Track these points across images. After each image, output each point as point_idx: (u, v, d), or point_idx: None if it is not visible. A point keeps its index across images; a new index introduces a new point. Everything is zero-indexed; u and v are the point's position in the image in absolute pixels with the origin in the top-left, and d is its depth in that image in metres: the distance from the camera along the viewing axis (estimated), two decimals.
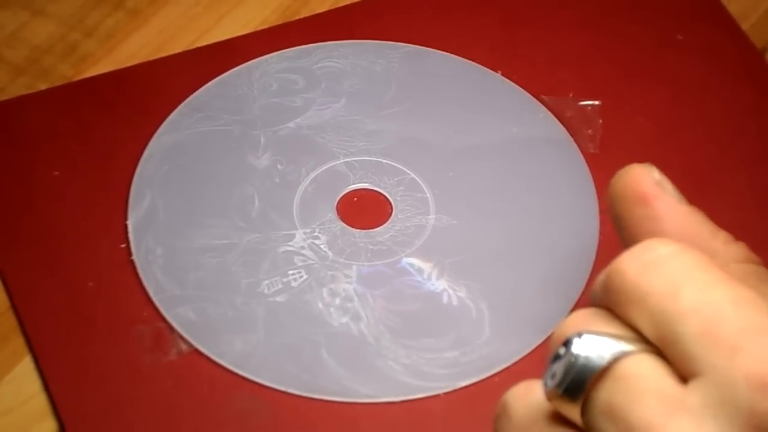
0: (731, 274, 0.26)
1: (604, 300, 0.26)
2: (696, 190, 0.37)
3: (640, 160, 0.37)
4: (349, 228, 0.39)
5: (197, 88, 0.43)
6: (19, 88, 0.41)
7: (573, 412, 0.25)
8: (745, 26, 0.44)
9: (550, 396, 0.25)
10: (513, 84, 0.43)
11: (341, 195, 0.40)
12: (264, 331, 0.36)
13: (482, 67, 0.43)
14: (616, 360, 0.24)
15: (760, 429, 0.23)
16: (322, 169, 0.40)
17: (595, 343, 0.24)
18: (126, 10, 0.44)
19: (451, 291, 0.37)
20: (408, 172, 0.40)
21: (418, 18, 0.45)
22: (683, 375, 0.24)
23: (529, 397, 0.26)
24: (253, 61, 0.44)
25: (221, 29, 0.44)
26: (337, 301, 0.37)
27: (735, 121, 0.41)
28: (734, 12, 0.45)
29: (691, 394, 0.23)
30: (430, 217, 0.39)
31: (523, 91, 0.42)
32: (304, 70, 0.43)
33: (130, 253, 0.38)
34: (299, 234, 0.38)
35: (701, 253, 0.25)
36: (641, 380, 0.24)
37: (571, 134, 0.41)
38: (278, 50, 0.44)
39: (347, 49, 0.44)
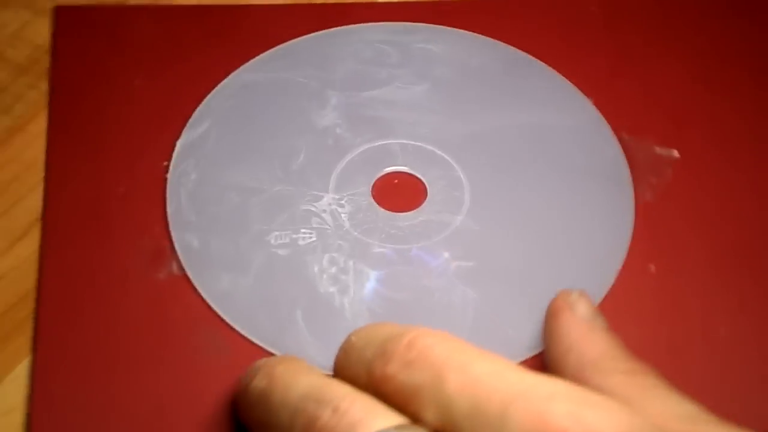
0: (607, 386, 0.29)
1: (369, 391, 0.27)
2: (734, 269, 0.35)
3: (689, 228, 0.35)
4: (376, 205, 0.39)
5: (296, 38, 0.43)
6: (20, 87, 0.41)
7: None
8: None
9: None
10: (599, 114, 0.41)
11: (383, 173, 0.40)
12: (253, 277, 0.37)
13: (577, 89, 0.42)
14: None
15: None
16: (377, 143, 0.40)
17: None
18: None
19: (447, 293, 0.36)
20: (456, 169, 0.39)
21: (533, 26, 0.44)
22: None
23: None
24: (355, 25, 0.44)
25: None
26: (333, 270, 0.37)
27: None
28: None
29: None
30: (458, 217, 0.38)
31: (606, 124, 0.41)
32: (402, 45, 0.43)
33: (167, 171, 0.39)
34: (327, 198, 0.39)
35: (458, 338, 0.27)
36: None
37: (634, 178, 0.39)
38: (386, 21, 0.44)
39: (451, 37, 0.43)
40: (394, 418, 0.26)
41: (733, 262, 0.37)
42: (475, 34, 0.43)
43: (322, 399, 0.27)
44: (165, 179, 0.39)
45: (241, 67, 0.42)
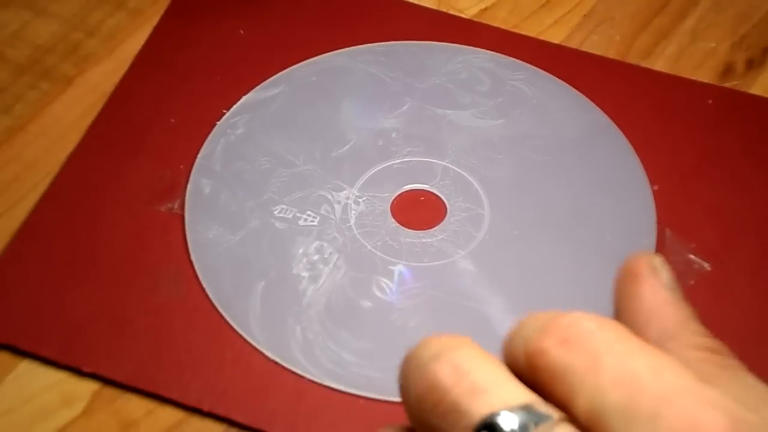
0: (685, 360, 0.27)
1: (525, 373, 0.26)
2: None
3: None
4: (389, 214, 0.38)
5: (406, 40, 0.44)
6: (21, 87, 0.42)
7: None
8: (746, 27, 0.42)
9: None
10: (652, 203, 0.39)
11: (412, 187, 0.39)
12: (240, 238, 0.37)
13: (644, 174, 0.40)
14: None
15: None
16: (422, 159, 0.40)
17: (522, 420, 0.24)
18: (128, 9, 0.44)
19: (405, 315, 0.36)
20: (485, 210, 0.39)
21: (638, 103, 0.42)
22: None
23: None
24: (465, 46, 0.43)
25: None
26: (316, 257, 0.37)
27: None
28: (736, 12, 0.42)
29: None
30: (459, 252, 0.37)
31: (655, 215, 0.38)
32: (498, 78, 0.42)
33: (220, 118, 0.41)
34: (348, 191, 0.39)
35: (622, 327, 0.26)
36: None
37: None
38: (495, 51, 0.43)
39: (548, 84, 0.42)
40: (529, 396, 0.25)
41: None
42: (573, 89, 0.42)
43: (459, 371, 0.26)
44: (214, 124, 0.40)
45: (337, 51, 0.43)
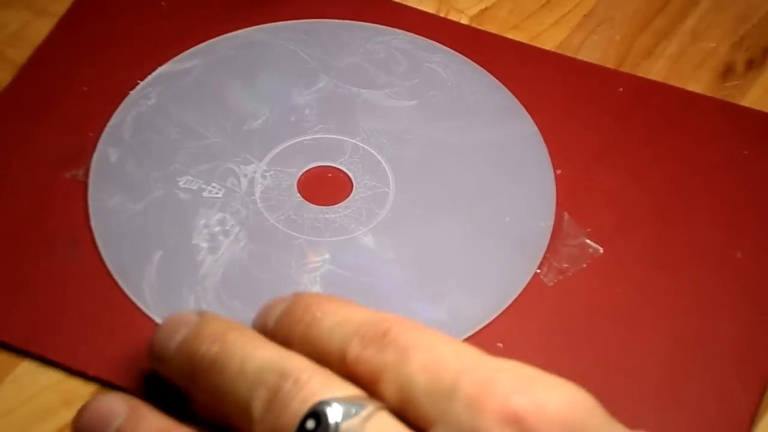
0: None
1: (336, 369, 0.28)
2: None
3: (572, 328, 0.34)
4: (295, 190, 0.39)
5: (328, 18, 0.44)
6: None
7: None
8: (746, 27, 0.42)
9: None
10: (553, 186, 0.39)
11: (321, 164, 0.39)
12: (142, 207, 0.38)
13: (548, 156, 0.40)
14: (364, 422, 0.26)
15: None
16: (333, 136, 0.40)
17: (345, 410, 0.27)
18: None
19: (301, 288, 0.36)
20: (389, 188, 0.39)
21: (547, 88, 0.42)
22: (422, 429, 0.26)
23: None
24: (386, 27, 0.44)
25: None
26: (217, 228, 0.37)
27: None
28: (736, 12, 0.42)
29: None
30: (361, 228, 0.38)
31: (554, 198, 0.39)
32: (415, 60, 0.43)
33: (134, 86, 0.41)
34: (255, 165, 0.39)
35: (432, 329, 0.28)
36: None
37: (547, 255, 0.37)
38: (415, 33, 0.44)
39: (465, 68, 0.42)
40: (350, 390, 0.28)
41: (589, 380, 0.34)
42: (488, 73, 0.42)
43: (284, 371, 0.28)
44: (126, 94, 0.40)
45: (259, 26, 0.43)
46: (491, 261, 0.37)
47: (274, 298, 0.32)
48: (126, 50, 0.42)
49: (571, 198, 0.38)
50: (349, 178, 0.39)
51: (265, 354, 0.29)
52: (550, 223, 0.38)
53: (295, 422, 0.27)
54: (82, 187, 0.38)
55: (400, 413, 0.27)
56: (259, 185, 0.38)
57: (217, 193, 0.38)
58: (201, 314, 0.31)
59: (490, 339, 0.35)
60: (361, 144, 0.40)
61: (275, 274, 0.36)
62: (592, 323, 0.35)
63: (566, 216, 0.38)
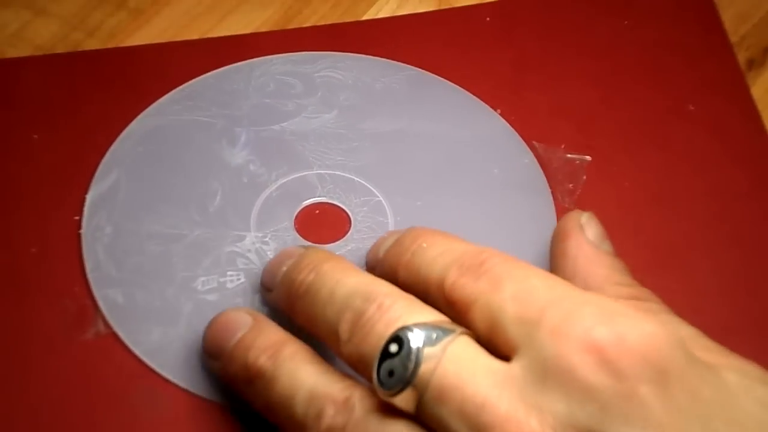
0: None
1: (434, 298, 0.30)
2: (659, 265, 0.35)
3: (612, 223, 0.36)
4: (302, 239, 0.38)
5: (196, 77, 0.43)
6: None
7: (409, 403, 0.27)
8: (746, 27, 0.43)
9: (389, 394, 0.27)
10: (508, 125, 0.41)
11: (304, 205, 0.39)
12: (185, 326, 0.36)
13: (482, 102, 0.42)
14: (445, 346, 0.27)
15: (570, 371, 0.25)
16: (293, 176, 0.40)
17: (426, 336, 0.27)
18: (128, 9, 0.44)
19: None
20: (377, 194, 0.39)
21: (432, 44, 0.44)
22: (506, 355, 0.27)
23: (356, 398, 0.28)
24: (256, 59, 0.43)
25: (223, 28, 0.44)
26: (266, 310, 0.36)
27: (722, 203, 0.39)
28: (735, 13, 0.44)
29: (514, 367, 0.26)
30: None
31: (516, 134, 0.41)
32: (305, 76, 0.43)
33: (80, 227, 0.38)
34: (250, 237, 0.38)
35: (525, 263, 0.29)
36: (469, 361, 0.27)
37: (551, 185, 0.39)
38: (285, 52, 0.43)
39: (352, 63, 0.43)
40: (432, 315, 0.28)
41: (655, 258, 0.38)
42: (375, 57, 0.43)
43: (369, 296, 0.29)
44: (79, 235, 0.38)
45: (143, 113, 0.41)
46: (494, 212, 0.38)
47: (389, 230, 0.34)
48: (34, 194, 0.39)
49: (523, 127, 0.41)
50: (337, 206, 0.39)
51: (353, 280, 0.31)
52: (531, 156, 0.40)
53: (380, 345, 0.28)
54: (111, 339, 0.35)
55: (487, 340, 0.28)
56: (268, 253, 0.37)
57: (239, 279, 0.37)
58: (305, 247, 0.34)
59: None
60: (322, 171, 0.40)
61: None
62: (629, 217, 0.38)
63: (536, 144, 0.40)
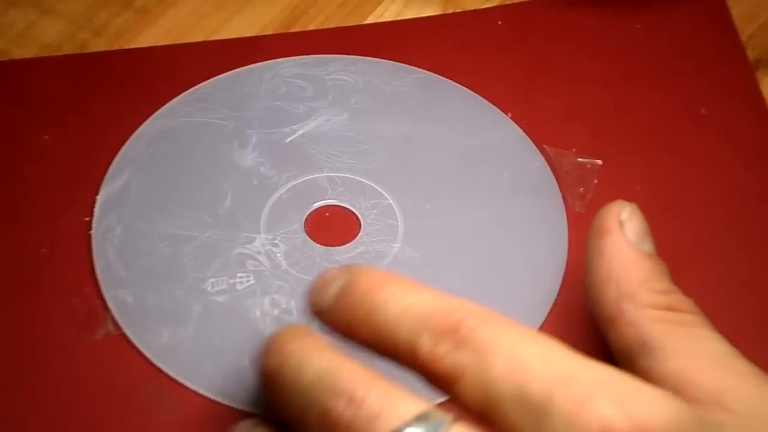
0: (640, 320, 0.29)
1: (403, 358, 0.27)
2: (671, 269, 0.35)
3: None
4: (311, 242, 0.38)
5: (208, 79, 0.43)
6: None
7: None
8: (753, 27, 0.43)
9: None
10: (519, 128, 0.41)
11: (314, 208, 0.39)
12: (194, 327, 0.36)
13: (493, 106, 0.42)
14: None
15: None
16: (303, 179, 0.40)
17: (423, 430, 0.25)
18: (135, 9, 0.44)
19: None
20: (387, 197, 0.39)
21: (443, 47, 0.44)
22: None
23: None
24: (268, 61, 0.43)
25: (230, 28, 0.44)
26: (276, 312, 0.36)
27: (734, 206, 0.38)
28: (742, 12, 0.44)
29: None
30: (395, 245, 0.38)
31: (527, 137, 0.41)
32: (317, 78, 0.43)
33: (90, 227, 0.38)
34: (260, 239, 0.38)
35: (504, 318, 0.26)
36: None
37: (561, 189, 0.39)
38: (297, 55, 0.43)
39: (364, 66, 0.43)
40: (415, 406, 0.26)
41: (666, 262, 0.37)
42: (386, 60, 0.43)
43: (335, 387, 0.26)
44: (89, 236, 0.38)
45: (154, 114, 0.41)
46: (504, 216, 0.38)
47: (325, 270, 0.30)
48: (45, 195, 0.39)
49: (536, 131, 0.41)
50: (347, 209, 0.39)
51: (317, 366, 0.27)
52: (542, 160, 0.40)
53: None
54: (121, 340, 0.35)
55: (481, 415, 0.26)
56: (278, 255, 0.37)
57: (248, 281, 0.37)
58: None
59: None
60: (332, 174, 0.40)
61: None
62: None
63: (548, 148, 0.40)
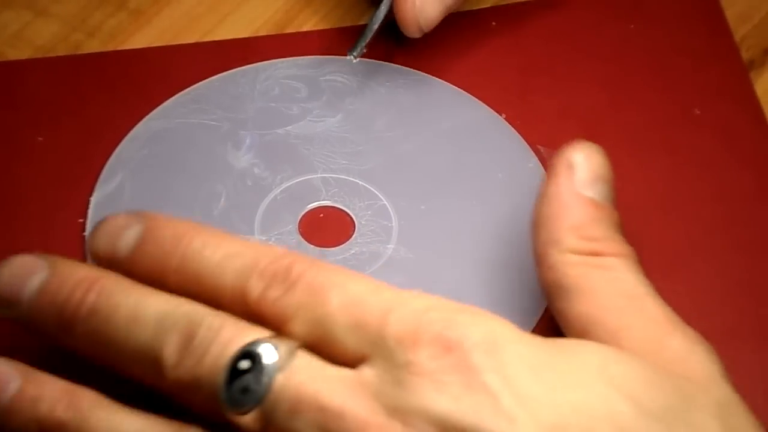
0: (559, 264, 0.30)
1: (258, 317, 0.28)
2: (665, 268, 0.35)
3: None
4: (305, 243, 0.38)
5: (202, 80, 0.43)
6: None
7: (257, 422, 0.27)
8: (747, 28, 0.43)
9: (241, 411, 0.26)
10: (513, 129, 0.41)
11: (308, 209, 0.39)
12: None
13: (487, 107, 0.42)
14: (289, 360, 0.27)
15: (421, 375, 0.26)
16: (298, 180, 0.40)
17: (273, 350, 0.27)
18: (129, 10, 0.44)
19: None
20: (381, 198, 0.39)
21: (437, 48, 0.44)
22: (347, 365, 0.27)
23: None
24: (262, 62, 0.43)
25: (224, 29, 0.44)
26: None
27: (728, 206, 0.38)
28: (736, 13, 0.44)
29: (366, 374, 0.26)
30: (389, 246, 0.38)
31: (521, 138, 0.41)
32: (310, 79, 0.43)
33: (84, 229, 0.38)
34: (254, 240, 0.38)
35: (332, 264, 0.29)
36: (317, 370, 0.27)
37: None
38: (291, 56, 0.43)
39: (358, 67, 0.43)
40: (263, 332, 0.27)
41: (661, 261, 0.37)
42: (379, 61, 0.43)
43: (190, 317, 0.28)
44: (83, 238, 0.38)
45: (148, 116, 0.41)
46: (500, 217, 0.39)
47: (106, 217, 0.31)
48: (39, 196, 0.39)
49: (529, 131, 0.40)
50: (341, 210, 0.39)
51: (156, 300, 0.29)
52: (536, 160, 0.40)
53: (221, 364, 0.27)
54: None
55: (316, 353, 0.27)
56: None
57: None
58: (48, 259, 0.30)
59: None
60: (326, 175, 0.40)
61: None
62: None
63: (542, 148, 0.40)
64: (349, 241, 0.38)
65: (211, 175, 0.39)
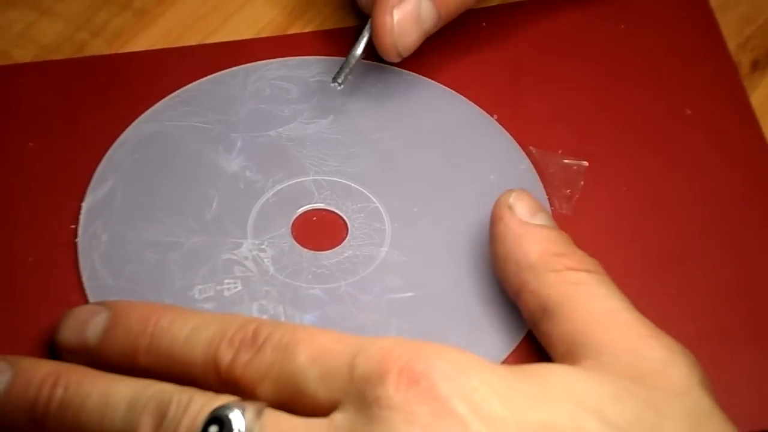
0: (544, 283, 0.32)
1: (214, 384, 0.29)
2: (657, 270, 0.35)
3: (610, 229, 0.36)
4: (299, 246, 0.38)
5: (191, 82, 0.42)
6: None
7: None
8: (751, 29, 0.43)
9: None
10: (504, 130, 0.41)
11: (300, 212, 0.39)
12: None
13: (479, 108, 0.42)
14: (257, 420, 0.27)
15: (390, 408, 0.26)
16: (290, 183, 0.40)
17: (240, 413, 0.27)
18: (133, 10, 0.44)
19: (382, 327, 0.36)
20: (373, 200, 0.39)
21: (428, 49, 0.43)
22: (323, 414, 0.27)
23: None
24: (252, 63, 0.43)
25: (228, 29, 0.44)
26: (264, 317, 0.36)
27: (719, 207, 0.39)
28: (740, 14, 0.44)
29: (336, 419, 0.27)
30: (382, 249, 0.38)
31: (513, 139, 0.41)
32: (301, 80, 0.42)
33: (76, 235, 0.38)
34: (247, 244, 0.38)
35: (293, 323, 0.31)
36: (286, 424, 0.27)
37: (547, 191, 0.39)
38: (281, 57, 0.43)
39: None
40: (229, 398, 0.28)
41: (652, 262, 0.38)
42: (370, 62, 0.43)
43: (161, 396, 0.28)
44: (75, 244, 0.38)
45: (138, 119, 0.41)
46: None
47: (73, 310, 0.33)
48: (30, 203, 0.39)
49: (521, 132, 0.40)
50: (334, 213, 0.39)
51: (124, 385, 0.29)
52: (527, 162, 0.40)
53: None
54: None
55: (286, 409, 0.28)
56: (265, 260, 0.37)
57: (236, 287, 0.37)
58: (8, 359, 0.32)
59: None
60: (319, 177, 0.40)
61: (350, 329, 0.36)
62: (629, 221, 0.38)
63: (533, 150, 0.40)
64: (343, 244, 0.38)
65: (202, 178, 0.39)
